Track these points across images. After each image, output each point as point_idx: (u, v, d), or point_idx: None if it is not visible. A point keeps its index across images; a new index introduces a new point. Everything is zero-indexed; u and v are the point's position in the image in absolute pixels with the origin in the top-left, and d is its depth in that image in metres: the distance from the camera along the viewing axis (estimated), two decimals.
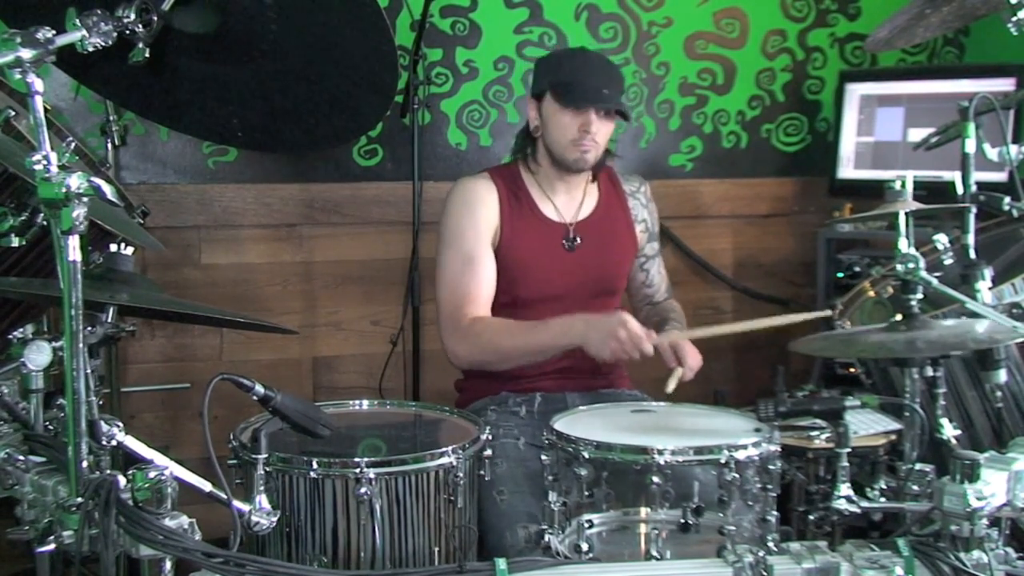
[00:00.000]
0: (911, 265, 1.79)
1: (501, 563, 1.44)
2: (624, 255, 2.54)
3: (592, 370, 2.44)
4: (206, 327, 3.12)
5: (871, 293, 2.46)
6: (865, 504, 1.73)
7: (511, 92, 3.38)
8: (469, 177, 2.49)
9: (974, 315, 1.88)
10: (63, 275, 1.33)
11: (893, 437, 2.19)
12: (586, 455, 1.69)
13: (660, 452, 1.65)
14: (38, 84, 1.35)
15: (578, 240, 2.44)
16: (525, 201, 2.44)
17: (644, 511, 1.77)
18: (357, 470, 1.69)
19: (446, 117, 3.36)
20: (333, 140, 2.61)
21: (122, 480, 1.34)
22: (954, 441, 1.88)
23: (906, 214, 1.84)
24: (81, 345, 1.33)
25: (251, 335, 3.18)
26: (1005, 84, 3.03)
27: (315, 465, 1.71)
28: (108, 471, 1.36)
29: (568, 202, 2.47)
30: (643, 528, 1.77)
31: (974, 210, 2.13)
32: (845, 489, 1.70)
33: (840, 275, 3.20)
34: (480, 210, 2.40)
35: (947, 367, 1.96)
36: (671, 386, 2.16)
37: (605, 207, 2.51)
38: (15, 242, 1.62)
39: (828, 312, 2.13)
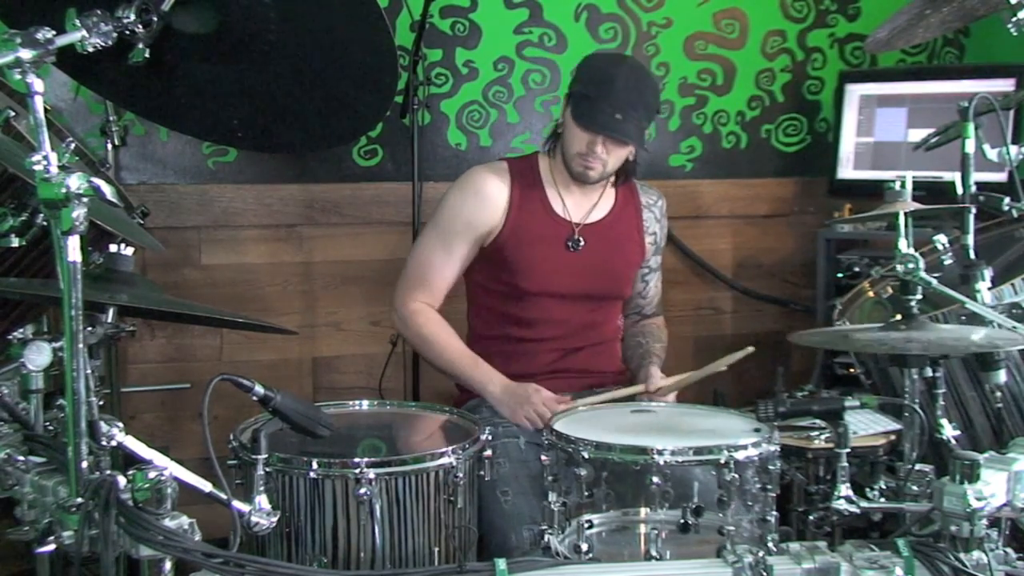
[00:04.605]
0: (911, 265, 1.80)
1: (501, 563, 1.44)
2: (629, 264, 2.53)
3: (586, 370, 2.44)
4: (206, 327, 3.11)
5: (871, 293, 2.46)
6: (865, 504, 1.73)
7: (511, 92, 3.38)
8: (484, 166, 2.48)
9: (973, 316, 1.89)
10: (63, 275, 1.33)
11: (893, 437, 2.19)
12: (586, 455, 1.70)
13: (660, 452, 1.65)
14: (38, 84, 1.35)
15: (582, 242, 2.43)
16: (538, 194, 2.43)
17: (644, 511, 1.77)
18: (357, 470, 1.69)
19: (446, 117, 3.35)
20: (333, 140, 2.60)
21: (122, 480, 1.33)
22: (954, 441, 1.88)
23: (906, 214, 1.84)
24: (81, 345, 1.33)
25: (251, 335, 3.17)
26: (1005, 84, 3.03)
27: (315, 465, 1.71)
28: (108, 471, 1.35)
29: (581, 202, 2.46)
30: (643, 528, 1.77)
31: (974, 210, 2.13)
32: (845, 489, 1.70)
33: (840, 275, 3.20)
34: (481, 209, 2.40)
35: (947, 367, 1.96)
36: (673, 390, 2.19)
37: (618, 214, 2.49)
38: (15, 242, 1.62)
39: (750, 350, 2.21)
